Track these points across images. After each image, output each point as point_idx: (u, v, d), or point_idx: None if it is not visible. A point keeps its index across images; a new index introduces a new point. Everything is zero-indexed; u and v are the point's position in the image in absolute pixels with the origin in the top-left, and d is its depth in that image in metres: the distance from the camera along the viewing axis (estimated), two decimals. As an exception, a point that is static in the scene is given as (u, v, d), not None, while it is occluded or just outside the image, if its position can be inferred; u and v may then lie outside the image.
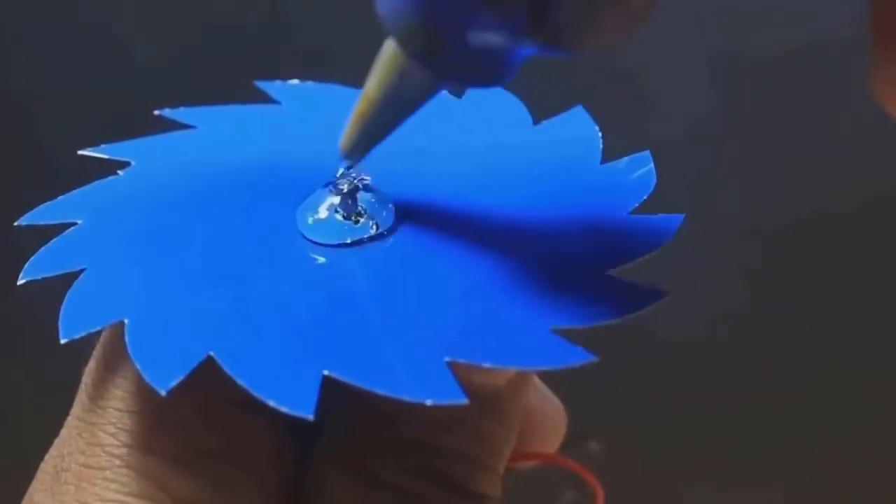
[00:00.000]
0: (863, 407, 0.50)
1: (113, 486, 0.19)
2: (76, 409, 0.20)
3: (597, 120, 0.24)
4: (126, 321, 0.18)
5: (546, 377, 0.25)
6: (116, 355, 0.20)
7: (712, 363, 0.50)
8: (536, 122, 0.24)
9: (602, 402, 0.39)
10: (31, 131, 0.49)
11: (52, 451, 0.20)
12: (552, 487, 0.27)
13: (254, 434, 0.20)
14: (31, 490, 0.20)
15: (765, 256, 0.49)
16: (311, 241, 0.21)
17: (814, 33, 0.46)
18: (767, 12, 0.47)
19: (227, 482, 0.19)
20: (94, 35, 0.49)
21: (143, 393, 0.19)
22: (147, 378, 0.17)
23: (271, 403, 0.16)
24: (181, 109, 0.24)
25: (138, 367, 0.17)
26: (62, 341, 0.18)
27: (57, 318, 0.19)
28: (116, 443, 0.19)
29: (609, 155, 0.23)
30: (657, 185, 0.22)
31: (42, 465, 0.20)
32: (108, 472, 0.19)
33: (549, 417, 0.24)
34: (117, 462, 0.19)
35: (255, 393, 0.17)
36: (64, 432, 0.20)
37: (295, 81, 0.26)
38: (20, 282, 0.20)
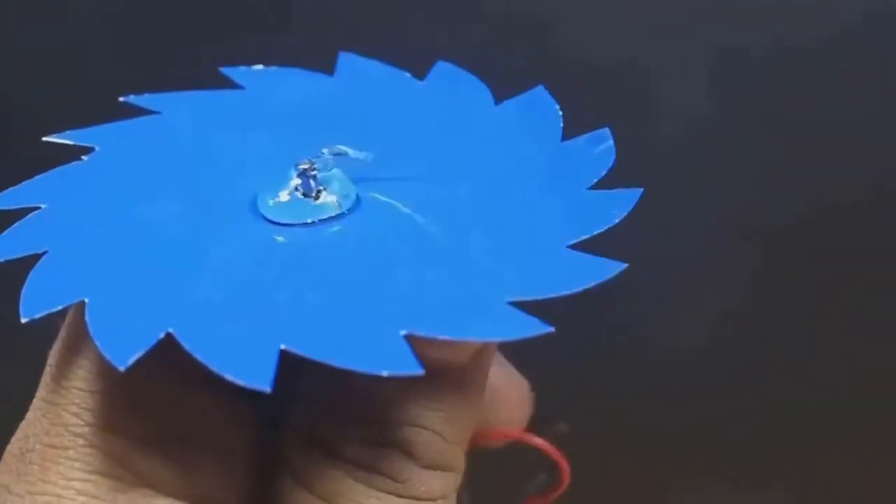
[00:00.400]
0: (863, 407, 0.50)
1: (76, 464, 0.19)
2: (41, 391, 0.20)
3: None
4: (86, 300, 0.18)
5: (511, 357, 0.25)
6: (79, 336, 0.20)
7: (695, 355, 0.50)
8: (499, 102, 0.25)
9: (573, 384, 0.40)
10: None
11: (18, 434, 0.20)
12: (524, 470, 0.27)
13: (216, 411, 0.20)
14: None
15: (762, 254, 0.49)
16: (272, 221, 0.21)
17: (815, 29, 0.46)
18: (768, 10, 0.47)
19: (191, 459, 0.19)
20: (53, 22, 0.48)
21: (106, 373, 0.19)
22: (106, 354, 0.17)
23: (228, 377, 0.16)
24: (146, 96, 0.25)
25: (98, 344, 0.17)
26: (23, 320, 0.18)
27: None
28: (80, 422, 0.19)
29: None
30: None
31: (8, 447, 0.21)
32: (71, 452, 0.19)
33: (514, 396, 0.25)
34: (81, 441, 0.19)
35: (212, 367, 0.17)
36: (29, 414, 0.21)
37: (259, 67, 0.26)
38: None
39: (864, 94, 0.47)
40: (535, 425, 0.26)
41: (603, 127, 0.23)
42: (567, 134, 0.24)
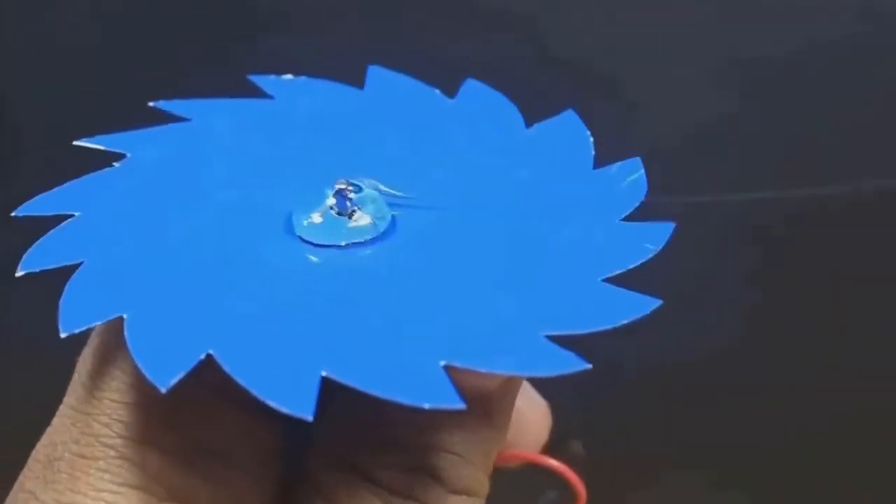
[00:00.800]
0: (865, 412, 0.50)
1: (107, 476, 0.19)
2: (69, 399, 0.20)
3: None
4: (125, 316, 0.18)
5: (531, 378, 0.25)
6: (113, 346, 0.20)
7: (704, 366, 0.49)
8: (529, 125, 0.25)
9: (586, 403, 0.40)
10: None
11: (44, 440, 0.20)
12: (534, 485, 0.27)
13: (248, 427, 0.20)
14: (21, 478, 0.20)
15: (766, 261, 0.49)
16: (307, 241, 0.21)
17: (817, 33, 0.46)
18: (770, 12, 0.47)
19: (222, 475, 0.20)
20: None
21: (140, 385, 0.19)
22: (148, 375, 0.17)
23: (271, 403, 0.16)
24: (175, 101, 0.25)
25: (139, 363, 0.17)
26: (62, 335, 0.18)
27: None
28: (111, 433, 0.19)
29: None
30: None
31: (33, 452, 0.21)
32: (101, 463, 0.19)
33: (534, 418, 0.25)
34: (112, 453, 0.19)
35: (254, 392, 0.17)
36: (56, 421, 0.20)
37: (288, 76, 0.26)
38: (18, 274, 0.20)
39: (866, 96, 0.47)
40: (549, 445, 0.26)
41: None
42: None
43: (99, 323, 0.18)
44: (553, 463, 0.24)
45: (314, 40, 0.45)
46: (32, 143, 0.41)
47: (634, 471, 0.49)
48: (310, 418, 0.16)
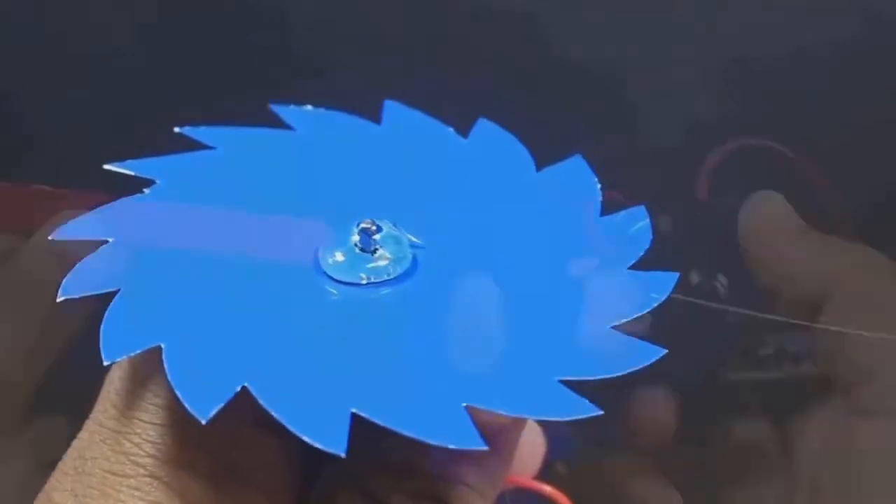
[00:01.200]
0: None
1: (137, 493, 0.20)
2: (99, 415, 0.21)
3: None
4: (163, 346, 0.19)
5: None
6: (145, 368, 0.21)
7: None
8: (539, 163, 0.26)
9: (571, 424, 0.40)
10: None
11: (72, 452, 0.21)
12: (516, 500, 0.28)
13: (273, 451, 0.21)
14: (48, 488, 0.21)
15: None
16: (332, 278, 0.22)
17: (817, 31, 0.47)
18: (770, 12, 0.47)
19: (247, 497, 0.21)
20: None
21: (172, 407, 0.20)
22: (188, 406, 0.18)
23: (306, 438, 0.18)
24: (201, 129, 0.25)
25: (179, 394, 0.18)
26: (105, 363, 0.19)
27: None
28: (142, 453, 0.20)
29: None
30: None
31: (60, 464, 0.21)
32: (132, 481, 0.20)
33: (531, 445, 0.26)
34: (142, 472, 0.20)
35: (289, 426, 0.18)
36: (84, 435, 0.21)
37: (308, 107, 0.27)
38: (59, 299, 0.20)
39: (866, 96, 0.47)
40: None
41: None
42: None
43: (139, 351, 0.19)
44: (546, 489, 0.26)
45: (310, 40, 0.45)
46: (39, 149, 0.41)
47: (616, 491, 0.50)
48: (342, 454, 0.17)
